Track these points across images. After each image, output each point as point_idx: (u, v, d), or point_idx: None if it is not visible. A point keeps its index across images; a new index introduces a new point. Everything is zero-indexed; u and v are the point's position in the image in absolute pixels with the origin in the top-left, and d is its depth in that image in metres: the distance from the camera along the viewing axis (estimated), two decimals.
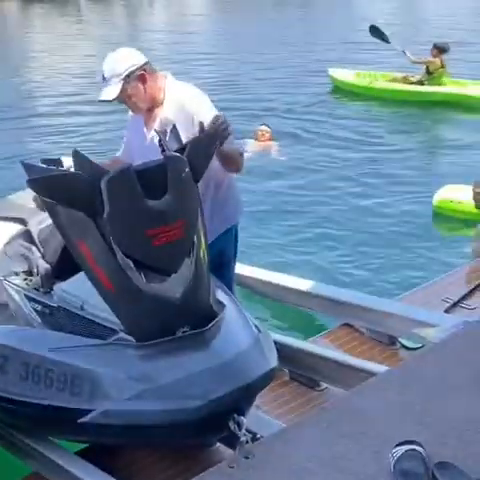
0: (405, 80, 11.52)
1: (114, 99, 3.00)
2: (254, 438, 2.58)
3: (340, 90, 12.34)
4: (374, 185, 8.09)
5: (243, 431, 2.43)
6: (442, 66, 11.20)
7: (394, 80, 11.67)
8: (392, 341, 3.79)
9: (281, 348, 2.97)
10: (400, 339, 3.78)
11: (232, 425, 2.44)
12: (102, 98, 3.01)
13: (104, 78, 3.02)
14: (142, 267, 2.48)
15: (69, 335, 2.66)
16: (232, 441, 2.49)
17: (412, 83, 11.40)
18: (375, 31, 11.59)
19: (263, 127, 9.28)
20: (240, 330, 2.70)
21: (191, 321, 2.56)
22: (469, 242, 5.46)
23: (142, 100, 3.06)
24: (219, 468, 2.38)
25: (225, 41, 19.30)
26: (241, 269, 4.49)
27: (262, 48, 16.69)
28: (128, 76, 2.98)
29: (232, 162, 3.11)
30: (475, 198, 5.51)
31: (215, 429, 2.52)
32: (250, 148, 8.82)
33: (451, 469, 2.18)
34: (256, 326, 2.78)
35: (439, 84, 11.27)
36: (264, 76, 13.72)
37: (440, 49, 11.04)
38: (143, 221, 2.46)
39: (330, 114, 11.15)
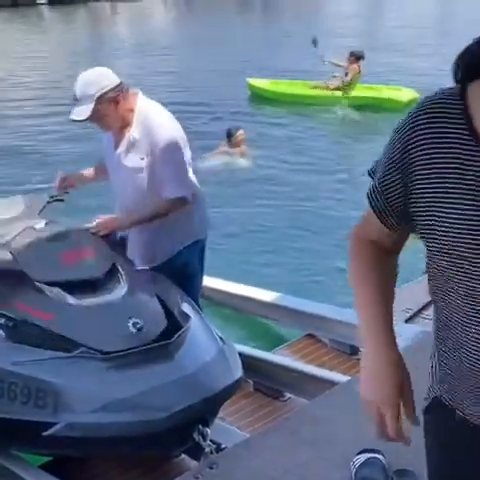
0: (324, 87, 12.02)
1: (85, 120, 3.00)
2: (218, 448, 2.62)
3: (258, 97, 12.74)
4: (323, 190, 8.25)
5: (207, 442, 2.46)
6: (359, 72, 11.72)
7: (314, 87, 12.22)
8: (354, 351, 3.85)
9: (245, 359, 3.01)
10: (361, 349, 3.83)
11: (197, 436, 2.47)
12: (73, 118, 2.99)
13: (76, 98, 2.99)
14: (70, 289, 2.72)
15: (33, 348, 2.66)
16: (197, 452, 2.52)
17: (331, 89, 11.92)
18: (315, 42, 12.06)
19: (241, 131, 9.21)
20: (204, 342, 2.73)
21: (139, 314, 2.64)
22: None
23: (113, 121, 3.06)
24: (184, 478, 2.40)
25: (181, 47, 19.57)
26: (205, 281, 4.52)
27: (201, 52, 17.30)
28: (101, 97, 2.97)
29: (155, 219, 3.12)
30: None
31: (180, 440, 2.54)
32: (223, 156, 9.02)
33: (410, 476, 2.24)
34: (220, 338, 2.82)
35: (355, 90, 11.85)
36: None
37: (356, 56, 11.57)
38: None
39: (257, 120, 11.41)
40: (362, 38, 18.88)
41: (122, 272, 2.88)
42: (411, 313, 4.18)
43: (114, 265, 2.88)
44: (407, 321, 4.08)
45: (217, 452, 2.50)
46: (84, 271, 2.79)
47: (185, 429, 2.47)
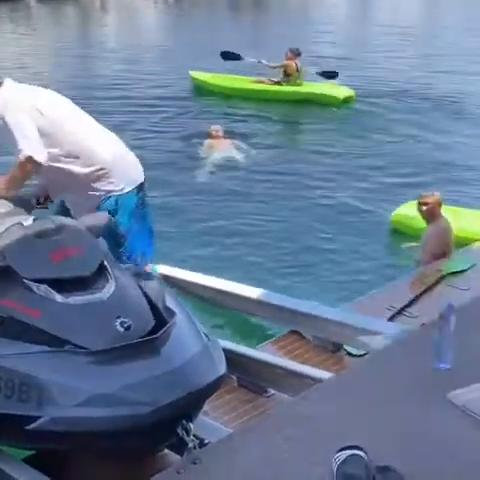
0: (265, 82, 12.76)
1: None
2: (202, 444, 2.62)
3: (200, 89, 13.37)
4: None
5: (191, 437, 2.47)
6: (297, 69, 12.42)
7: (254, 82, 12.88)
8: (337, 348, 3.89)
9: (229, 355, 3.01)
10: (345, 346, 3.87)
11: (180, 431, 2.48)
12: None
13: None
14: (58, 287, 2.69)
15: (18, 342, 2.66)
16: (180, 447, 2.52)
17: (270, 84, 12.65)
18: (226, 56, 13.17)
19: (216, 126, 10.08)
20: (189, 337, 2.74)
21: (127, 312, 2.64)
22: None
23: None
24: (167, 474, 2.41)
25: (163, 46, 19.74)
26: (190, 276, 4.54)
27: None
28: None
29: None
30: (418, 209, 5.70)
31: (163, 435, 2.55)
32: (207, 147, 9.76)
33: (391, 473, 2.26)
34: (205, 334, 2.83)
35: (296, 85, 12.55)
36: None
37: (294, 53, 12.37)
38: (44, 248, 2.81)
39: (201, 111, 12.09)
40: (337, 46, 19.20)
41: (110, 270, 2.87)
42: (394, 311, 4.22)
43: (102, 263, 2.87)
44: (390, 319, 4.12)
45: (200, 447, 2.50)
46: (72, 269, 2.78)
47: (169, 424, 2.47)
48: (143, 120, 11.62)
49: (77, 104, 4.16)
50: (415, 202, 7.24)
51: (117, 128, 4.67)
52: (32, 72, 14.71)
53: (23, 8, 31.28)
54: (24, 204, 3.51)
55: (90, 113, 4.20)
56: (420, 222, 6.77)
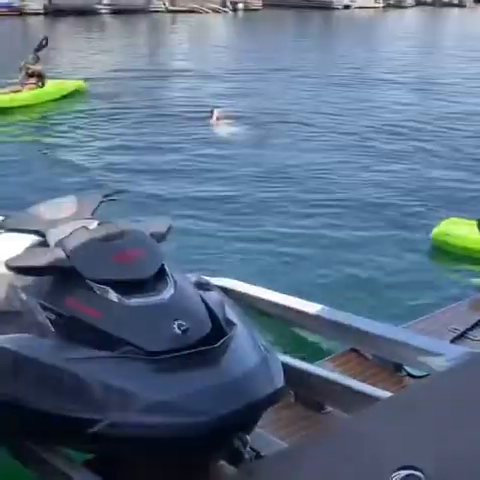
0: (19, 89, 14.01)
1: None
2: (257, 456, 2.63)
3: None
4: None
5: (247, 449, 2.48)
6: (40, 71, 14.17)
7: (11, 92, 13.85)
8: (397, 368, 3.83)
9: (287, 370, 3.01)
10: (405, 366, 3.81)
11: (236, 442, 2.49)
12: None
13: None
14: (119, 288, 2.76)
15: (80, 346, 2.72)
16: (236, 458, 2.53)
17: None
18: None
19: (217, 109, 12.76)
20: (248, 349, 2.75)
21: (185, 316, 2.68)
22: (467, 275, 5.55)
23: None
24: None
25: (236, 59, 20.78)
26: (251, 290, 4.55)
27: None
28: None
29: None
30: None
31: (220, 445, 2.56)
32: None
33: None
34: (264, 346, 2.83)
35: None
36: None
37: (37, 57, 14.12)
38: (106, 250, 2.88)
39: None
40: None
41: (170, 274, 2.92)
42: (457, 334, 4.13)
43: (162, 266, 2.92)
44: (452, 341, 4.04)
45: (256, 459, 2.51)
46: (133, 271, 2.85)
47: (226, 434, 2.49)
48: None
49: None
50: (456, 219, 7.16)
51: None
52: (98, 79, 16.10)
53: (97, 21, 32.56)
54: (89, 202, 3.59)
55: None
56: (463, 240, 6.66)
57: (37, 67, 14.18)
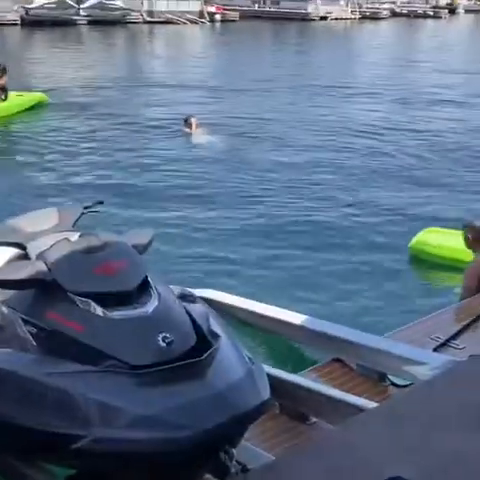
0: None
1: None
2: (244, 469, 2.61)
3: None
4: None
5: (233, 462, 2.46)
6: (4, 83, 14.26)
7: None
8: (381, 377, 3.83)
9: (272, 381, 2.99)
10: (389, 376, 3.81)
11: (223, 456, 2.47)
12: None
13: None
14: (101, 301, 2.71)
15: (64, 360, 2.68)
16: (222, 472, 2.51)
17: None
18: None
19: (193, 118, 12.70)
20: (234, 361, 2.73)
21: (169, 328, 2.64)
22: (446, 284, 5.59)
23: None
24: None
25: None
26: (234, 300, 4.54)
27: None
28: None
29: None
30: (465, 238, 5.59)
31: (206, 459, 2.54)
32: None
33: None
34: (249, 358, 2.81)
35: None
36: None
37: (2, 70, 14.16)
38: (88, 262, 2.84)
39: None
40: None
41: (153, 286, 2.90)
42: (440, 342, 4.15)
43: (146, 278, 2.90)
44: (436, 350, 4.05)
45: (242, 473, 2.49)
46: (116, 283, 2.81)
47: (211, 448, 2.47)
48: None
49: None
50: (434, 228, 7.22)
51: None
52: (70, 90, 16.08)
53: (74, 32, 32.59)
54: (71, 214, 3.56)
55: None
56: (442, 249, 6.72)
57: (1, 81, 14.13)
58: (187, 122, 12.82)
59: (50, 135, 12.83)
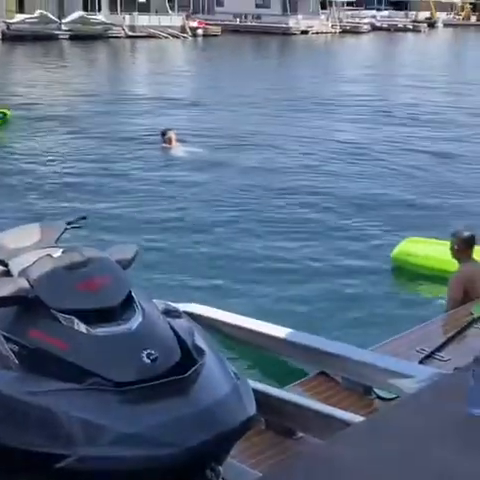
0: None
1: None
2: None
3: None
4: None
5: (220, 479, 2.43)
6: None
7: None
8: (367, 391, 3.82)
9: (258, 396, 2.96)
10: (375, 389, 3.80)
11: (209, 473, 2.44)
12: None
13: None
14: (85, 318, 2.68)
15: (47, 378, 2.65)
16: None
17: None
18: None
19: (172, 132, 12.53)
20: (219, 377, 2.70)
21: (153, 345, 2.62)
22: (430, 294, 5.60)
23: None
24: None
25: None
26: (218, 314, 4.51)
27: None
28: None
29: None
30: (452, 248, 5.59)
31: (192, 477, 2.50)
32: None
33: None
34: (235, 374, 2.79)
35: None
36: None
37: None
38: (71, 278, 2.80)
39: None
40: None
41: (137, 301, 2.87)
42: (425, 354, 4.15)
43: (130, 294, 2.88)
44: (421, 362, 4.05)
45: None
46: (100, 299, 2.78)
47: (197, 465, 2.44)
48: None
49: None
50: (415, 238, 7.24)
51: None
52: (46, 105, 16.01)
53: (56, 46, 32.59)
54: (53, 230, 3.53)
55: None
56: (423, 258, 6.73)
57: None
58: (165, 136, 12.62)
59: (23, 152, 12.64)
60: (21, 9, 40.44)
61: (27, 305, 2.82)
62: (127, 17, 43.66)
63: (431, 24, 62.00)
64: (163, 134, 12.65)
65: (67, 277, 2.85)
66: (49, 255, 3.04)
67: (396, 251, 7.09)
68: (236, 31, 48.00)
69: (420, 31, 58.07)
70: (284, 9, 51.46)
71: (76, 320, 2.70)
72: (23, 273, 2.94)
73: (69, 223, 3.62)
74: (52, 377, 2.63)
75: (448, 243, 5.71)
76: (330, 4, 54.18)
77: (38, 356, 2.71)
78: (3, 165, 11.81)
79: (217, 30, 47.51)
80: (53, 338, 2.68)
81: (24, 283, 2.85)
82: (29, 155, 12.34)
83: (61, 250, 3.19)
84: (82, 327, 2.69)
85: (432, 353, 4.18)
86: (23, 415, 2.56)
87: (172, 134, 12.57)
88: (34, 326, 2.76)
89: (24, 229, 3.57)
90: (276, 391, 3.59)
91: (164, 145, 12.56)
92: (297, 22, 50.73)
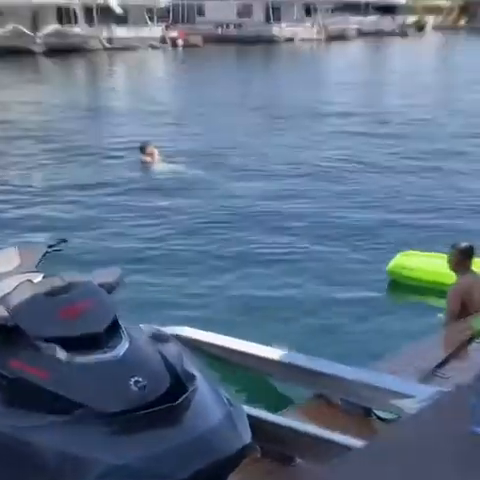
0: None
1: None
2: None
3: None
4: None
5: None
6: None
7: None
8: (367, 412, 3.70)
9: (252, 422, 2.85)
10: (375, 410, 3.68)
11: None
12: None
13: None
14: (68, 345, 2.58)
15: (30, 411, 2.53)
16: None
17: None
18: None
19: (151, 146, 12.13)
20: (211, 404, 2.60)
21: (141, 372, 2.52)
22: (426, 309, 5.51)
23: None
24: None
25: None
26: (207, 337, 4.39)
27: None
28: None
29: None
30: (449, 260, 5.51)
31: None
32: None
33: None
34: (228, 399, 2.69)
35: None
36: None
37: None
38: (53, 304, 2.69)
39: None
40: None
41: (123, 327, 2.76)
42: (425, 372, 4.04)
43: (115, 318, 2.76)
44: (421, 380, 3.93)
45: None
46: (84, 326, 2.67)
47: None
48: None
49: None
50: (411, 251, 7.18)
51: None
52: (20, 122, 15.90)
53: (31, 61, 32.45)
54: (33, 254, 3.40)
55: None
56: (419, 272, 6.66)
57: None
58: (145, 150, 12.06)
59: None
60: None
61: (6, 334, 2.71)
62: (105, 28, 42.96)
63: (419, 28, 61.97)
64: (141, 148, 12.13)
65: (48, 303, 2.74)
66: (29, 281, 2.93)
67: (392, 265, 7.02)
68: (218, 41, 47.21)
69: (408, 35, 57.98)
70: (267, 17, 51.16)
71: (57, 348, 2.59)
72: (1, 300, 2.82)
73: (50, 246, 3.50)
74: (35, 409, 2.52)
75: (444, 256, 5.65)
76: (315, 10, 53.96)
77: (19, 387, 2.59)
78: None
79: (198, 40, 46.60)
80: (33, 367, 2.56)
81: (2, 311, 2.74)
82: (0, 177, 12.11)
83: (42, 275, 3.08)
84: (65, 355, 2.58)
85: (433, 371, 4.07)
86: (6, 451, 2.44)
87: (153, 149, 12.10)
88: (14, 356, 2.65)
89: (1, 253, 3.44)
90: (271, 416, 3.45)
91: (145, 159, 12.07)
92: (281, 30, 50.35)
